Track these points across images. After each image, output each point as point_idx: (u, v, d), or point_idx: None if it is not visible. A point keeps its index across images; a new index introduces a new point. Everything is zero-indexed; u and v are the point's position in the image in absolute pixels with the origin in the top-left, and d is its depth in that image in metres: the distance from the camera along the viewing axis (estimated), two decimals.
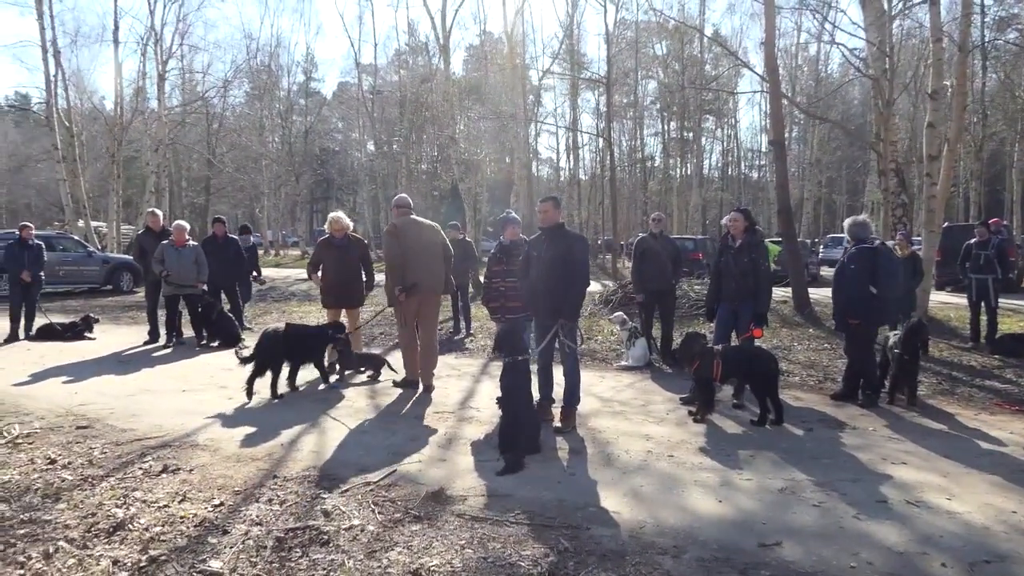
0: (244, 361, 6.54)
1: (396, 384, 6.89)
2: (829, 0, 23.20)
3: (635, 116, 38.96)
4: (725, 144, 46.46)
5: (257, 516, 3.61)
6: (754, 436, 5.28)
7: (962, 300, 10.88)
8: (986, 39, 25.85)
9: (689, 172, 42.99)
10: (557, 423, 5.41)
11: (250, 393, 6.26)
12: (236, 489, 4.03)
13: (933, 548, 3.29)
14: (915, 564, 3.14)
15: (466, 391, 6.84)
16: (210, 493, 3.95)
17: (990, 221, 11.25)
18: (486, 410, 5.94)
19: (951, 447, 4.95)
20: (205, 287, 9.51)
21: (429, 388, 6.71)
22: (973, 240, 9.70)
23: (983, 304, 9.36)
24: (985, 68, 27.24)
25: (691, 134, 40.96)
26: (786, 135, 18.84)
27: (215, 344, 9.35)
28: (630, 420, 5.71)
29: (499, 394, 5.17)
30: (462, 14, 41.12)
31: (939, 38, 11.21)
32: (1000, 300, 9.47)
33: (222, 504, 3.78)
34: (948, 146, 11.20)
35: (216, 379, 7.26)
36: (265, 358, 6.42)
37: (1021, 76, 26.64)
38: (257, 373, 6.36)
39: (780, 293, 11.37)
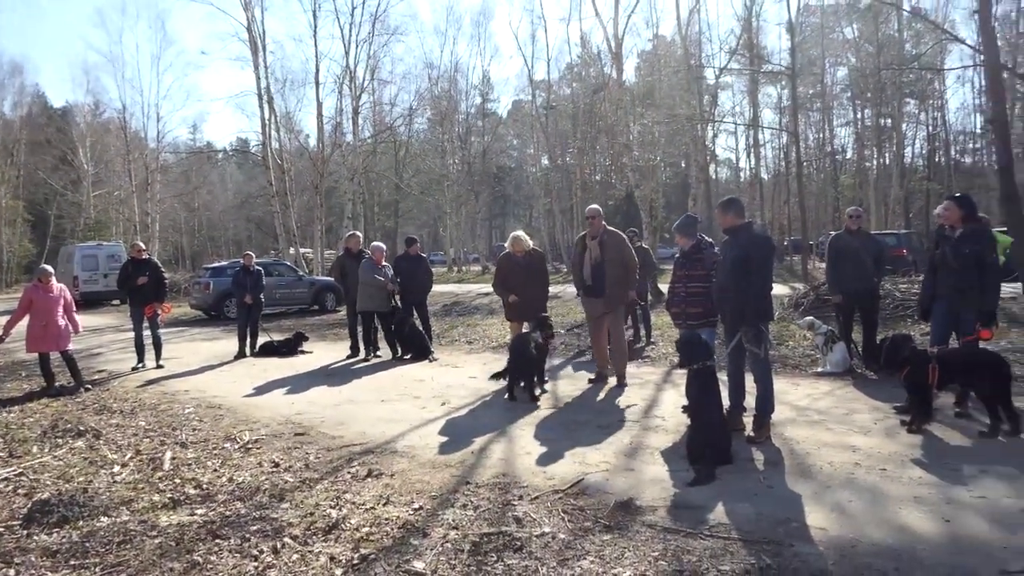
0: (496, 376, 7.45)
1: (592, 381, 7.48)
2: None
3: (823, 107, 36.45)
4: (930, 128, 41.77)
5: (453, 520, 3.77)
6: (984, 449, 4.68)
7: None
8: None
9: (888, 162, 39.27)
10: (749, 432, 5.13)
11: (512, 396, 6.88)
12: (433, 494, 4.23)
13: None
14: None
15: (649, 399, 6.70)
16: (410, 497, 4.19)
17: None
18: (671, 419, 5.78)
19: None
20: (399, 302, 10.13)
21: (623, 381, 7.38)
22: None
23: None
24: None
25: (889, 121, 37.37)
26: (1008, 112, 16.45)
27: (407, 357, 9.94)
28: (831, 430, 5.28)
29: (685, 402, 5.02)
30: (634, 20, 40.48)
31: None
32: None
33: (421, 508, 3.99)
34: None
35: (409, 390, 7.70)
36: (520, 363, 6.89)
37: None
38: (513, 378, 6.96)
39: (1008, 289, 9.99)
